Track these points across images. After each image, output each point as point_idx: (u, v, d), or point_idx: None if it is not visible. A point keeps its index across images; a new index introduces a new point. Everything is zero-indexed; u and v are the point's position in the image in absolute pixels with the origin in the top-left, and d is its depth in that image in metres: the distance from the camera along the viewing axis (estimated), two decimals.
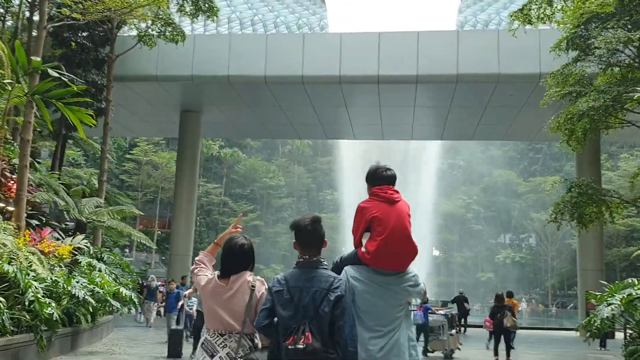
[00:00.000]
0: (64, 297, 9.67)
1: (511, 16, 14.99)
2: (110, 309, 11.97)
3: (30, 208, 13.16)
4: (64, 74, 9.81)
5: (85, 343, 11.66)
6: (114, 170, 59.22)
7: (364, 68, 22.61)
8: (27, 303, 7.96)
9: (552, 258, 62.82)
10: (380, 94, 23.85)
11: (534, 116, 25.64)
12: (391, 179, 3.92)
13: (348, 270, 3.64)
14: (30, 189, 14.15)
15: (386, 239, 3.56)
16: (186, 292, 13.17)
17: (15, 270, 8.10)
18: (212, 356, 3.42)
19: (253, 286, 3.52)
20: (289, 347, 3.10)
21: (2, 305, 7.36)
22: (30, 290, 7.98)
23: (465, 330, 23.18)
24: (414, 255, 3.68)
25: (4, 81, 10.22)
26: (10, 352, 8.10)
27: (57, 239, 13.04)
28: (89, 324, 11.01)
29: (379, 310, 3.51)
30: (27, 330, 8.48)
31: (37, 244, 10.82)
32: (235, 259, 3.60)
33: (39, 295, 8.06)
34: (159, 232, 57.59)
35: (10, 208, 11.33)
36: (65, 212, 15.15)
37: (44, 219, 13.37)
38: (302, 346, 3.06)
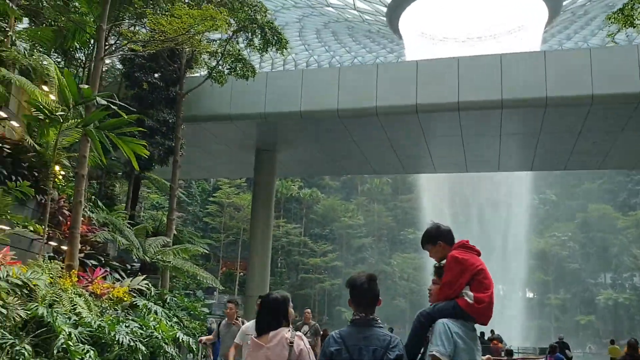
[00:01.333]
0: (113, 344, 8.77)
1: (609, 18, 13.12)
2: (168, 356, 11.00)
3: (89, 248, 12.67)
4: (115, 102, 9.18)
5: None
6: (198, 213, 60.32)
7: (442, 95, 21.16)
8: (55, 351, 7.10)
9: None
10: (462, 122, 22.28)
11: (635, 141, 23.23)
12: (451, 232, 3.95)
13: (450, 325, 3.51)
14: (92, 228, 13.75)
15: (492, 293, 3.60)
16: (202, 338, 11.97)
17: (47, 312, 7.30)
18: None
19: (291, 342, 3.56)
20: None
21: (26, 354, 6.50)
22: (62, 335, 7.12)
23: None
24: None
25: (57, 113, 9.79)
26: None
27: (117, 280, 12.41)
28: None
29: None
30: None
31: (87, 285, 10.15)
32: (270, 314, 3.69)
33: (70, 342, 7.18)
34: (241, 273, 57.54)
35: (65, 247, 10.77)
36: (129, 253, 14.60)
37: (103, 259, 12.81)
38: None
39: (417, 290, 62.89)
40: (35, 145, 12.07)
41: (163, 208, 49.20)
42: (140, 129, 13.01)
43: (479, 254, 3.79)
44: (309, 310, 10.88)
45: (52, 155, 11.91)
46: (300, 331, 10.35)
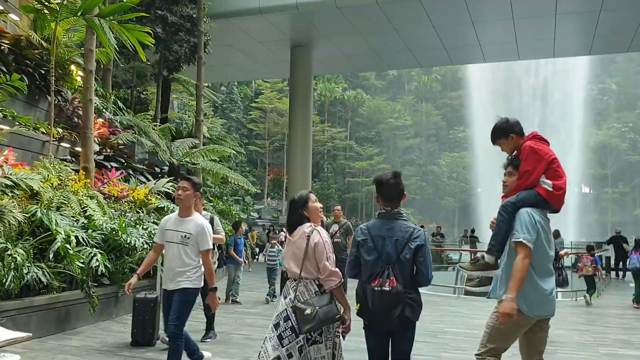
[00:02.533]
0: (130, 248, 8.20)
1: None
2: None
3: (110, 150, 12.07)
4: None
5: None
6: (241, 120, 59.76)
7: None
8: (51, 255, 6.51)
9: None
10: (513, 2, 20.11)
11: None
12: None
13: (533, 214, 3.61)
14: (114, 129, 13.11)
15: (566, 181, 3.72)
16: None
17: (44, 214, 6.67)
18: (285, 297, 3.85)
19: (308, 236, 3.81)
20: (375, 288, 3.51)
21: (19, 259, 5.92)
22: (58, 238, 6.51)
23: (624, 275, 19.84)
24: None
25: (54, 1, 8.79)
26: (58, 312, 6.81)
27: (142, 183, 11.84)
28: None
29: (548, 252, 3.61)
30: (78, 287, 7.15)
31: (103, 188, 9.56)
32: (292, 212, 4.01)
33: (68, 246, 6.57)
34: (287, 178, 57.69)
35: (79, 149, 10.13)
36: (155, 155, 13.98)
37: (125, 162, 12.20)
38: (387, 288, 3.47)
39: (466, 189, 61.76)
40: (42, 41, 11.23)
41: (205, 115, 48.72)
42: (145, 14, 11.89)
43: (549, 144, 3.86)
44: (338, 207, 10.11)
45: (61, 52, 11.05)
46: (329, 230, 9.72)
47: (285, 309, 3.74)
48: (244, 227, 11.87)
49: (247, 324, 8.36)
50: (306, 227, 3.86)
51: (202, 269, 4.91)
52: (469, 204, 59.24)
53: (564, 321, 9.15)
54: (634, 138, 62.76)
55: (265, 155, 59.81)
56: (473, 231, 25.59)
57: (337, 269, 3.77)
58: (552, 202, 3.66)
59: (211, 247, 4.89)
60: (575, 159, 59.36)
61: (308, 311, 3.59)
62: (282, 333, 3.69)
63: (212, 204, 16.25)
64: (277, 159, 61.00)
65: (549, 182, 3.65)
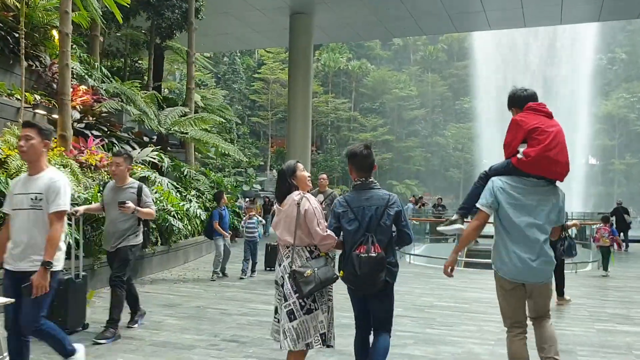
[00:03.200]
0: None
1: None
2: (174, 229, 10.16)
3: (93, 119, 11.62)
4: None
5: (148, 271, 10.12)
6: (244, 91, 59.04)
7: None
8: None
9: None
10: None
11: None
12: (534, 97, 4.00)
13: (496, 181, 3.79)
14: (99, 97, 12.64)
15: (549, 144, 3.65)
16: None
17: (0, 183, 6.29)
18: (279, 265, 3.98)
19: (298, 203, 3.89)
20: (362, 255, 3.73)
21: None
22: None
23: (627, 247, 19.50)
24: (567, 170, 3.76)
25: None
26: None
27: None
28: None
29: (519, 218, 3.69)
30: None
31: (79, 156, 9.16)
32: (281, 182, 4.07)
33: None
34: (286, 149, 57.22)
35: (56, 116, 9.70)
36: (142, 124, 13.53)
37: (108, 130, 11.76)
38: (374, 254, 3.71)
39: (471, 160, 61.05)
40: (17, 3, 10.72)
41: (206, 86, 48.09)
42: None
43: (547, 114, 3.85)
44: (324, 176, 9.06)
45: (39, 16, 10.57)
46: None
47: (282, 276, 3.88)
48: (226, 198, 11.29)
49: (227, 298, 8.03)
50: (295, 195, 3.96)
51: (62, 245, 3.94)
52: (474, 176, 58.60)
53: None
54: None
55: (269, 127, 59.23)
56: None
57: (329, 232, 3.88)
58: (522, 169, 3.70)
59: (64, 209, 3.85)
60: (583, 130, 58.43)
61: (308, 272, 3.73)
62: (282, 298, 3.85)
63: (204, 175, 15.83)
64: (280, 131, 60.38)
65: (521, 149, 3.71)
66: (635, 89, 62.17)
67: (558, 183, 3.84)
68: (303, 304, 3.76)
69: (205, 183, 14.53)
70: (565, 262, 12.92)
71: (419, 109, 65.41)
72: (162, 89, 20.16)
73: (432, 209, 23.25)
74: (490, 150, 56.55)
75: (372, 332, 4.05)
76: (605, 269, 11.92)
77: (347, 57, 66.25)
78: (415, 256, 14.95)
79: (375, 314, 3.98)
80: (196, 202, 11.94)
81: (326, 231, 3.86)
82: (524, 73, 63.51)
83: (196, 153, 20.68)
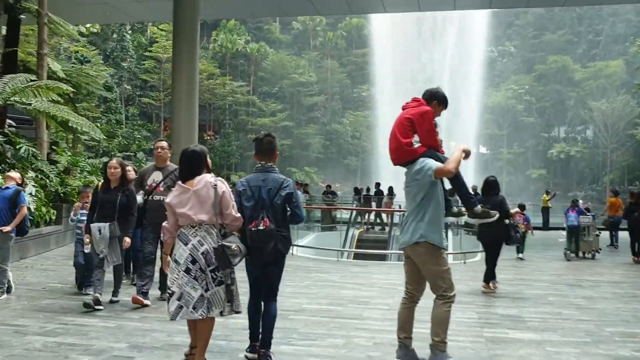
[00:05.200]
0: None
1: None
2: None
3: None
4: None
5: None
6: (134, 70, 55.34)
7: None
8: None
9: (612, 151, 56.97)
10: None
11: None
12: (423, 95, 4.59)
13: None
14: None
15: (390, 140, 4.49)
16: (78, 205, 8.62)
17: None
18: (186, 244, 4.13)
19: (215, 185, 4.18)
20: (252, 229, 4.21)
21: None
22: None
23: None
24: (399, 151, 4.38)
25: None
26: None
27: None
28: None
29: (407, 201, 4.55)
30: None
31: None
32: (190, 163, 4.28)
33: None
34: (170, 131, 54.49)
35: None
36: None
37: None
38: (262, 227, 4.19)
39: (369, 149, 61.22)
40: None
41: (88, 62, 44.17)
42: None
43: (420, 103, 4.49)
44: (163, 144, 6.80)
45: None
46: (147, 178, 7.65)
47: (190, 254, 4.08)
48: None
49: (38, 308, 6.31)
50: (210, 177, 4.24)
51: None
52: (370, 164, 58.93)
53: None
54: (529, 100, 64.63)
55: (161, 109, 56.05)
56: (368, 190, 24.45)
57: (239, 214, 4.28)
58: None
59: None
60: (474, 120, 60.33)
61: (234, 246, 4.09)
62: (195, 274, 4.06)
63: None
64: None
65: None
66: (523, 82, 65.01)
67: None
68: (215, 276, 4.11)
69: (59, 165, 12.47)
70: (453, 253, 12.52)
71: (318, 95, 64.67)
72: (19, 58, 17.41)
73: (322, 196, 22.26)
74: (387, 139, 57.01)
75: (262, 297, 4.52)
76: (522, 252, 12.67)
77: (246, 39, 64.16)
78: (300, 247, 13.77)
79: (266, 282, 4.46)
80: (34, 186, 9.95)
81: (238, 213, 4.26)
82: (419, 62, 64.56)
83: (67, 134, 18.26)
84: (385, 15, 48.31)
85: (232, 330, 5.39)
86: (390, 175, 45.54)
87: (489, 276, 8.34)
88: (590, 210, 15.30)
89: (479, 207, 4.60)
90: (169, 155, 6.89)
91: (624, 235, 14.87)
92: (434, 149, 4.35)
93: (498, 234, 8.29)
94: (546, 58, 66.21)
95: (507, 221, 8.45)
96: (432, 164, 4.21)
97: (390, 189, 22.92)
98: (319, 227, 18.74)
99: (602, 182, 57.95)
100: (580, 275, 10.28)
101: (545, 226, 23.37)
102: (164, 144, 6.91)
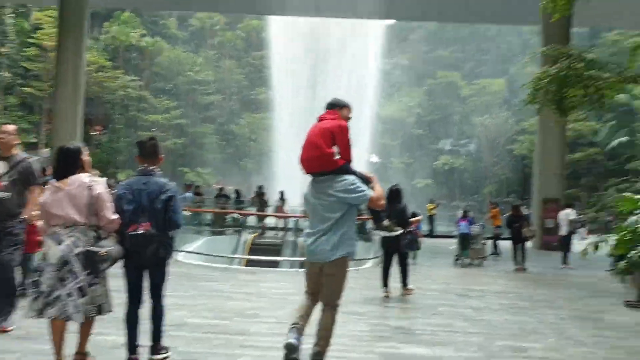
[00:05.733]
0: None
1: None
2: None
3: None
4: None
5: None
6: (14, 57, 51.13)
7: None
8: None
9: (493, 164, 60.73)
10: None
11: None
12: (327, 106, 4.72)
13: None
14: None
15: (302, 148, 4.49)
16: None
17: None
18: (59, 244, 4.02)
19: (90, 186, 4.09)
20: (131, 233, 4.16)
21: None
22: None
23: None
24: (322, 160, 4.34)
25: None
26: None
27: None
28: None
29: (316, 212, 4.44)
30: None
31: None
32: (64, 162, 4.20)
33: None
34: (52, 124, 51.04)
35: None
36: None
37: None
38: (141, 232, 4.16)
39: (265, 151, 60.83)
40: None
41: None
42: None
43: (318, 120, 4.60)
44: (10, 127, 5.79)
45: None
46: None
47: (62, 255, 3.99)
48: None
49: None
50: (85, 178, 4.19)
51: None
52: (265, 167, 58.56)
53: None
54: (419, 113, 67.52)
55: (44, 100, 52.18)
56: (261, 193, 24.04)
57: (117, 216, 4.23)
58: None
59: None
60: (368, 129, 61.89)
61: (102, 252, 4.08)
62: (63, 276, 3.98)
63: None
64: None
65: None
66: (414, 95, 67.79)
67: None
68: (89, 279, 4.03)
69: None
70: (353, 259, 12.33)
71: (214, 94, 63.36)
72: None
73: (215, 199, 21.56)
74: (282, 143, 56.98)
75: (141, 304, 4.45)
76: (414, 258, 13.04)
77: (141, 33, 61.46)
78: (188, 253, 13.07)
79: (151, 284, 4.44)
80: None
81: (114, 215, 4.19)
82: (316, 68, 65.19)
83: None
84: (284, 19, 48.36)
85: (101, 350, 4.78)
86: (287, 180, 45.50)
87: (404, 279, 8.83)
88: (473, 219, 15.99)
89: (386, 222, 5.15)
90: (17, 142, 5.73)
91: (505, 245, 15.70)
92: (349, 162, 4.45)
93: (400, 242, 8.67)
94: (436, 73, 69.46)
95: (408, 229, 8.86)
96: (368, 191, 4.34)
97: (281, 193, 22.80)
98: (209, 232, 18.04)
99: (483, 193, 61.55)
100: (468, 284, 10.55)
101: (431, 233, 24.24)
102: (10, 127, 5.64)
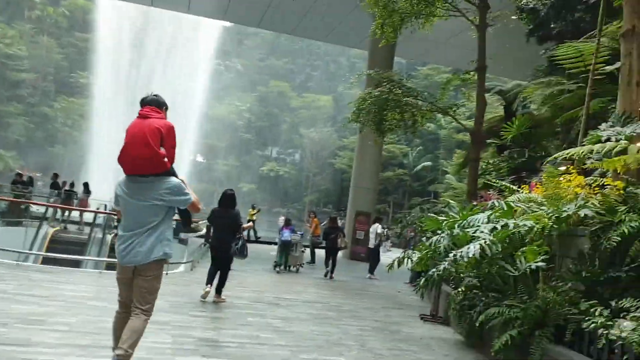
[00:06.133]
0: None
1: None
2: None
3: None
4: None
5: None
6: None
7: None
8: None
9: (315, 175, 63.06)
10: None
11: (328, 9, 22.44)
12: (150, 103, 4.36)
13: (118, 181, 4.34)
14: None
15: (124, 145, 4.14)
16: None
17: None
18: None
19: None
20: None
21: None
22: None
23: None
24: (153, 160, 4.09)
25: None
26: None
27: None
28: None
29: (132, 213, 4.19)
30: None
31: None
32: None
33: None
34: None
35: None
36: None
37: None
38: None
39: (78, 139, 56.48)
40: None
41: None
42: None
43: (141, 116, 4.27)
44: None
45: None
46: None
47: None
48: None
49: None
50: None
51: None
52: (79, 154, 54.44)
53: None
54: (249, 118, 67.90)
55: None
56: (72, 185, 22.10)
57: None
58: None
59: None
60: (195, 128, 60.62)
61: None
62: None
63: None
64: None
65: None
66: (246, 99, 68.04)
67: None
68: None
69: None
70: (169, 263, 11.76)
71: (27, 71, 57.32)
72: None
73: (11, 185, 19.32)
74: (101, 132, 53.38)
75: None
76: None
77: None
78: None
79: None
80: None
81: None
82: (146, 58, 62.40)
83: None
84: (115, 3, 45.52)
85: None
86: (100, 173, 42.51)
87: (220, 286, 8.67)
88: (295, 227, 16.39)
89: (194, 224, 4.88)
90: None
91: (320, 253, 16.27)
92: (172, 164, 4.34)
93: (228, 247, 8.61)
94: (268, 81, 70.50)
95: (238, 235, 8.73)
96: (191, 195, 4.30)
97: (86, 185, 21.25)
98: (1, 222, 16.02)
99: (303, 202, 63.62)
100: (281, 292, 10.58)
101: (250, 239, 24.21)
102: None
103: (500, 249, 5.95)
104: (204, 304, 8.31)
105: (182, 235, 12.93)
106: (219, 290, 8.66)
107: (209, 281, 8.65)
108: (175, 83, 59.45)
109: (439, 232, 7.42)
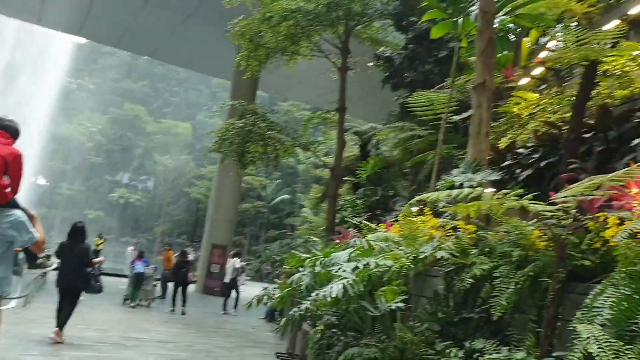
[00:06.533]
0: None
1: None
2: None
3: None
4: None
5: None
6: None
7: None
8: None
9: (168, 204, 60.87)
10: None
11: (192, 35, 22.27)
12: (5, 128, 4.07)
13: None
14: None
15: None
16: None
17: None
18: None
19: None
20: None
21: None
22: None
23: None
24: None
25: None
26: None
27: None
28: None
29: None
30: None
31: None
32: None
33: None
34: None
35: None
36: None
37: None
38: None
39: None
40: None
41: None
42: None
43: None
44: None
45: None
46: None
47: None
48: None
49: None
50: None
51: None
52: None
53: None
54: (100, 140, 64.15)
55: None
56: None
57: None
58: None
59: None
60: (37, 148, 55.97)
61: None
62: None
63: None
64: None
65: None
66: (97, 120, 64.38)
67: None
68: None
69: None
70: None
71: None
72: None
73: None
74: None
75: None
76: None
77: None
78: None
79: None
80: None
81: None
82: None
83: None
84: None
85: None
86: None
87: (63, 323, 8.04)
88: (148, 259, 15.84)
89: (40, 260, 4.68)
90: None
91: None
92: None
93: (78, 282, 8.13)
94: (123, 104, 67.42)
95: (89, 269, 8.25)
96: (35, 233, 4.04)
97: None
98: None
99: (155, 231, 60.93)
100: (128, 330, 9.86)
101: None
102: None
103: (362, 289, 6.02)
104: (37, 345, 7.45)
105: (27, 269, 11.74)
106: (61, 325, 7.96)
107: (58, 323, 7.97)
108: (21, 98, 54.74)
109: (301, 269, 7.37)
